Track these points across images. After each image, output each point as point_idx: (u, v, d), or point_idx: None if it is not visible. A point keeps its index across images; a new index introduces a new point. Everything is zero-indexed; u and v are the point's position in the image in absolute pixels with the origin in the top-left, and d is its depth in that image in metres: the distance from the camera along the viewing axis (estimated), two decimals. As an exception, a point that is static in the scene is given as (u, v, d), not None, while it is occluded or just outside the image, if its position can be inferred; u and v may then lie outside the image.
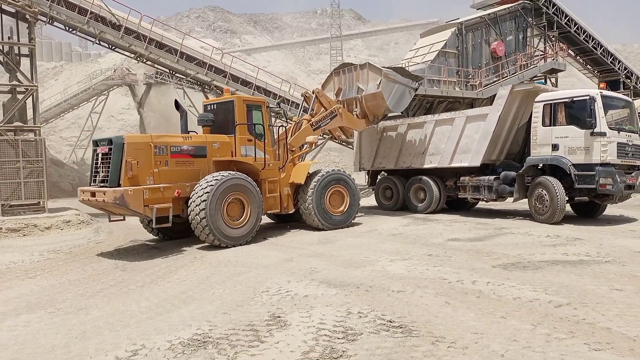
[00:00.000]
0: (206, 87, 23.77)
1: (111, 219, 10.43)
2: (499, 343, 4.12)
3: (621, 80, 28.70)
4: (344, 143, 24.26)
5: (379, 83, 13.36)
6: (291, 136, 12.25)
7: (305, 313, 5.11)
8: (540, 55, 24.34)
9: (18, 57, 16.06)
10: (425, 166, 14.08)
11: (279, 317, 5.04)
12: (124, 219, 10.64)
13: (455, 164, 13.29)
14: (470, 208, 15.07)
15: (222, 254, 8.99)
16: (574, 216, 12.13)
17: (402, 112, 15.79)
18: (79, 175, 35.69)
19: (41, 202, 14.69)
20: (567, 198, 10.82)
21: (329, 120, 13.05)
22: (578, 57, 28.70)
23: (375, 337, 4.36)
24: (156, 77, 39.21)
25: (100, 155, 9.73)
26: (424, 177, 13.88)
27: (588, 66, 29.44)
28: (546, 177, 10.99)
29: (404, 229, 10.99)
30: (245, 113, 10.86)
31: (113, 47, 21.20)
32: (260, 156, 10.98)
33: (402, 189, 14.61)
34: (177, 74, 24.44)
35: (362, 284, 6.17)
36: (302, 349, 4.17)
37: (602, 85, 12.81)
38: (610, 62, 28.23)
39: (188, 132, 10.69)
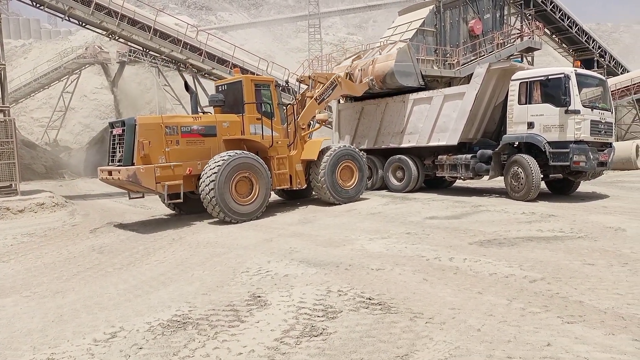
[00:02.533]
0: (181, 65, 23.29)
1: (131, 197, 11.21)
2: (475, 318, 4.21)
3: (595, 58, 29.15)
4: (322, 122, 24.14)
5: (400, 48, 14.42)
6: (297, 115, 12.45)
7: (285, 292, 5.13)
8: (517, 33, 24.47)
9: (-17, 35, 15.44)
10: (404, 145, 14.15)
11: (259, 296, 5.05)
12: (143, 197, 11.38)
13: (433, 143, 13.39)
14: (448, 186, 15.26)
15: (202, 235, 8.94)
16: (549, 193, 12.38)
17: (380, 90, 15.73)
18: (52, 157, 34.86)
19: (13, 185, 14.32)
20: (542, 175, 11.02)
21: (331, 91, 13.26)
22: (554, 36, 28.97)
23: (355, 315, 4.41)
24: (129, 55, 38.28)
25: (116, 136, 10.33)
26: (403, 157, 13.95)
27: (563, 45, 29.78)
28: (522, 155, 11.16)
29: (382, 208, 11.07)
30: (253, 92, 11.23)
31: (84, 24, 20.55)
32: (268, 134, 11.34)
33: (381, 168, 14.68)
34: (151, 52, 23.87)
35: (341, 263, 6.21)
36: (283, 327, 4.20)
37: (576, 63, 12.98)
38: (585, 40, 28.59)
39: (198, 113, 11.26)
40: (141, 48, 23.60)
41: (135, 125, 9.83)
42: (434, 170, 13.66)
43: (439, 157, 13.27)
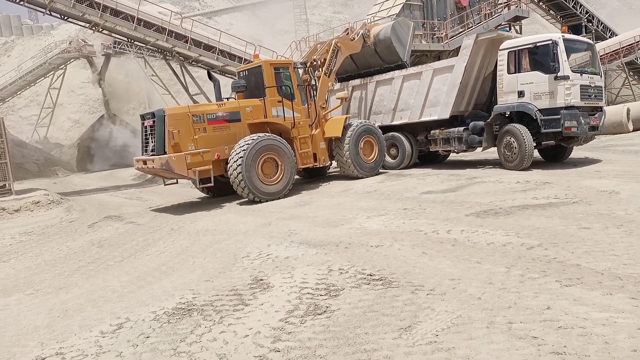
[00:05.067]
0: (168, 54, 23.06)
1: (166, 183, 12.04)
2: (475, 287, 4.28)
3: (583, 24, 29.07)
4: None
5: (404, 18, 15.52)
6: (313, 95, 12.80)
7: (287, 274, 5.18)
8: (504, 3, 24.32)
9: (-36, 34, 15.17)
10: (396, 122, 14.12)
11: (262, 280, 5.10)
12: (177, 182, 12.18)
13: (425, 118, 13.36)
14: (442, 161, 15.30)
15: (200, 223, 8.97)
16: (542, 161, 12.45)
17: (370, 70, 15.66)
18: (43, 155, 34.58)
19: (7, 185, 14.24)
20: (534, 144, 11.06)
21: (335, 58, 13.57)
22: (541, 3, 28.84)
23: (357, 291, 4.46)
24: (114, 47, 37.72)
25: (148, 127, 10.97)
26: (396, 134, 13.94)
27: (551, 12, 29.66)
28: (513, 124, 11.18)
29: (378, 185, 11.11)
30: (273, 76, 11.65)
31: (66, 18, 20.25)
32: (289, 115, 11.81)
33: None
34: (136, 42, 23.57)
35: (341, 242, 6.26)
36: (287, 308, 4.25)
37: (563, 29, 12.92)
38: (572, 6, 28.47)
39: (222, 99, 11.71)
40: (126, 39, 23.35)
41: (165, 116, 10.37)
42: (427, 145, 13.68)
43: (432, 131, 13.27)
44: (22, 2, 18.64)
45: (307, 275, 5.06)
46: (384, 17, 18.54)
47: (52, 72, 40.47)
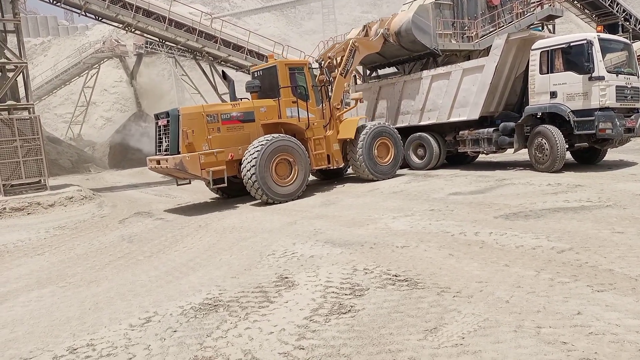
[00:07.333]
0: (197, 54, 23.40)
1: (179, 184, 11.84)
2: (503, 290, 4.20)
3: (620, 23, 28.14)
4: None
5: (422, 4, 14.58)
6: (328, 96, 12.66)
7: (312, 272, 5.20)
8: (537, 1, 23.78)
9: (4, 34, 15.72)
10: (424, 123, 13.99)
11: (287, 277, 5.13)
12: (189, 183, 11.94)
13: (453, 119, 13.20)
14: (470, 162, 15.08)
15: (227, 221, 9.07)
16: (575, 163, 12.14)
17: (398, 69, 15.54)
18: (77, 152, 35.52)
19: (42, 180, 14.69)
20: (567, 145, 10.79)
21: (352, 59, 13.36)
22: (575, 2, 28.07)
23: (382, 292, 4.44)
24: (146, 47, 38.51)
25: (161, 127, 10.89)
26: (423, 134, 13.82)
27: (586, 10, 28.82)
28: (545, 125, 10.93)
29: (405, 186, 11.03)
30: (288, 76, 11.54)
31: (100, 18, 20.78)
32: (304, 116, 11.61)
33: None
34: (167, 43, 24.00)
35: (366, 242, 6.24)
36: (311, 306, 4.26)
37: (599, 28, 12.57)
38: (609, 5, 27.60)
39: (236, 100, 11.58)
40: (157, 39, 23.78)
41: (179, 115, 10.32)
42: (455, 146, 13.51)
43: (461, 132, 13.10)
44: (58, 4, 19.19)
45: (332, 274, 5.06)
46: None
47: (86, 71, 41.60)
